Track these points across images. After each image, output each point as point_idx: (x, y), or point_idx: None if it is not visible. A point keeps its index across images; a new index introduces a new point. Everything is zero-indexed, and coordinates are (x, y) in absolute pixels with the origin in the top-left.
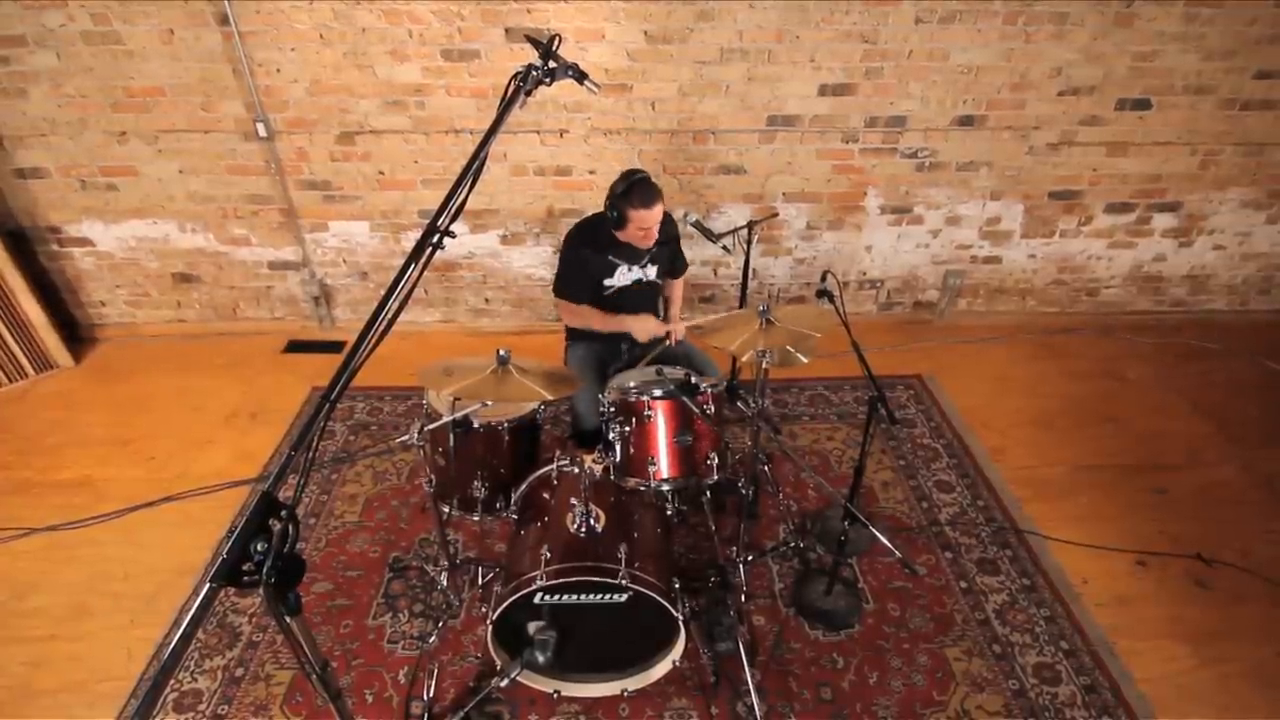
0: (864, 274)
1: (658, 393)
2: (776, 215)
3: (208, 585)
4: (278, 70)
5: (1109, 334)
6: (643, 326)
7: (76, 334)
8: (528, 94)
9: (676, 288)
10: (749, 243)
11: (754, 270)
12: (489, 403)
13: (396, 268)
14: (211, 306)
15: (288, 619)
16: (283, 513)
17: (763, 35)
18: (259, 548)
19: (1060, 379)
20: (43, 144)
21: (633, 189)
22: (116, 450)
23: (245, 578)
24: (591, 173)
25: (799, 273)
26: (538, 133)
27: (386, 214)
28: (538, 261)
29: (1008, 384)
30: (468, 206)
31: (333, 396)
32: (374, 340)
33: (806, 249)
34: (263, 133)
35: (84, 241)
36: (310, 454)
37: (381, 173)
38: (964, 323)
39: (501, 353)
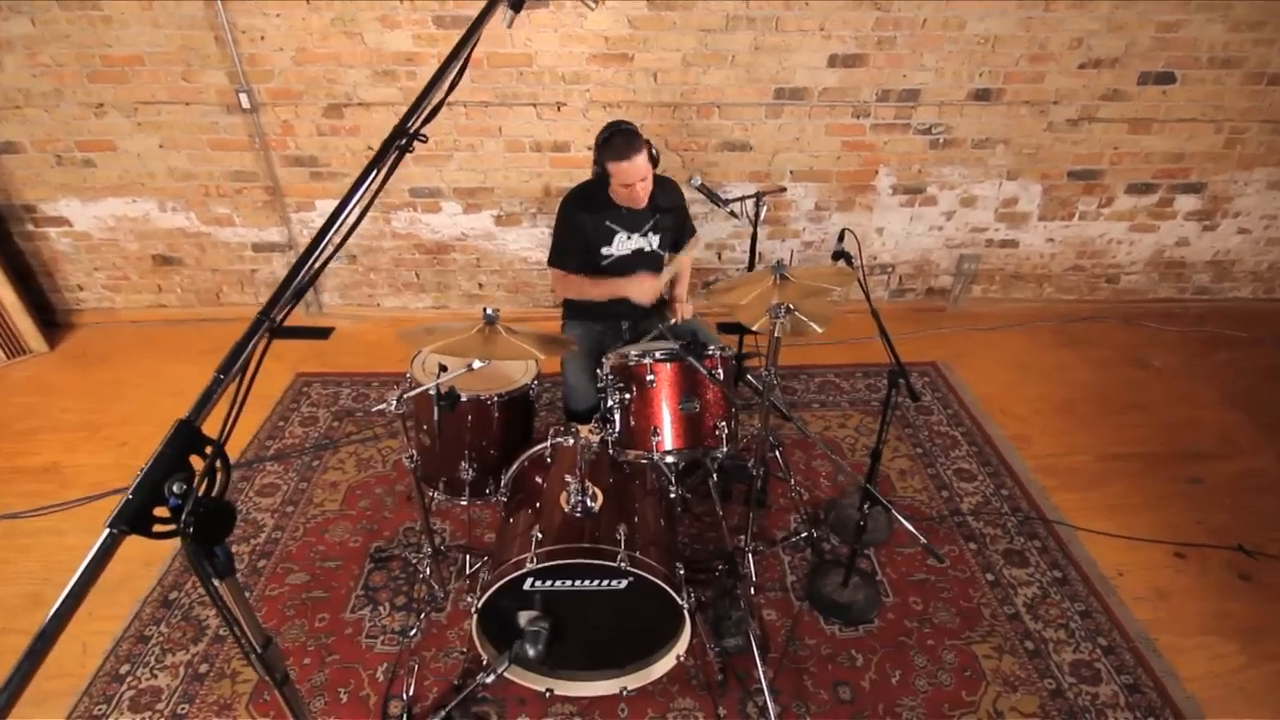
0: (875, 258)
1: (660, 355)
2: (784, 190)
3: (106, 532)
4: (261, 37)
5: (1131, 322)
6: (639, 287)
7: (53, 319)
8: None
9: (681, 265)
10: (756, 215)
11: (760, 254)
12: (475, 365)
13: (388, 250)
14: (193, 291)
15: (215, 581)
16: (208, 448)
17: (770, 1)
18: (176, 489)
19: (1082, 367)
20: (17, 116)
21: (610, 140)
22: (87, 436)
23: (157, 525)
24: (590, 148)
25: (807, 256)
26: (534, 105)
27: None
28: (534, 243)
29: (1028, 371)
30: (460, 185)
31: (273, 313)
32: (326, 253)
33: (815, 231)
34: (246, 104)
35: (60, 221)
36: (244, 382)
37: (371, 148)
38: (979, 310)
39: (489, 311)
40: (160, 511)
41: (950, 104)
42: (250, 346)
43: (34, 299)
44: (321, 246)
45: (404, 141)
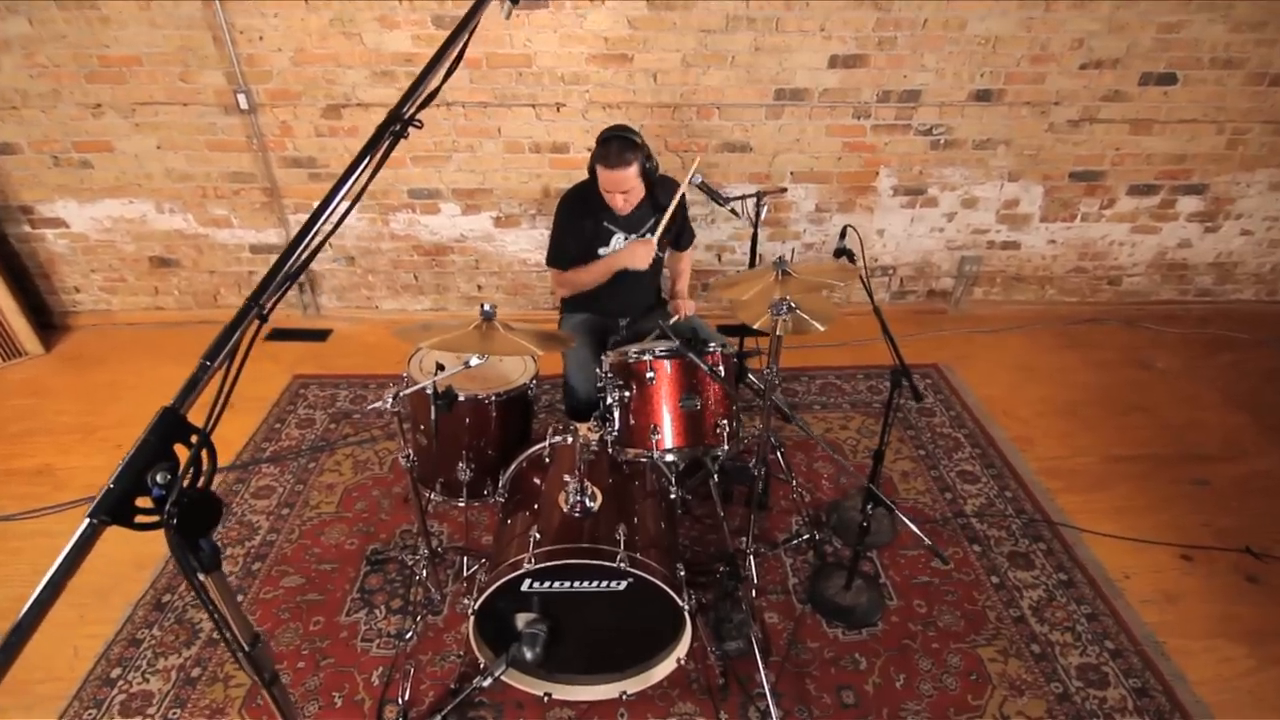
0: (875, 260)
1: (661, 351)
2: (785, 191)
3: (85, 521)
4: (260, 38)
5: (1132, 324)
6: (633, 254)
7: (49, 322)
8: None
9: (683, 261)
10: (757, 215)
11: (760, 256)
12: (472, 362)
13: (386, 251)
14: (191, 293)
15: (201, 576)
16: (193, 436)
17: (770, 1)
18: (159, 479)
19: (1085, 369)
20: (14, 117)
21: (605, 143)
22: (82, 438)
23: (140, 516)
24: (590, 150)
25: (808, 258)
26: (533, 106)
27: (374, 194)
28: (533, 245)
29: (1030, 374)
30: (459, 186)
31: (262, 300)
32: (316, 240)
33: (816, 233)
34: (244, 104)
35: (57, 222)
36: (232, 370)
37: None
38: (980, 312)
39: (486, 307)
40: (143, 502)
41: (951, 105)
42: (238, 334)
43: (30, 301)
44: (313, 233)
45: (398, 127)
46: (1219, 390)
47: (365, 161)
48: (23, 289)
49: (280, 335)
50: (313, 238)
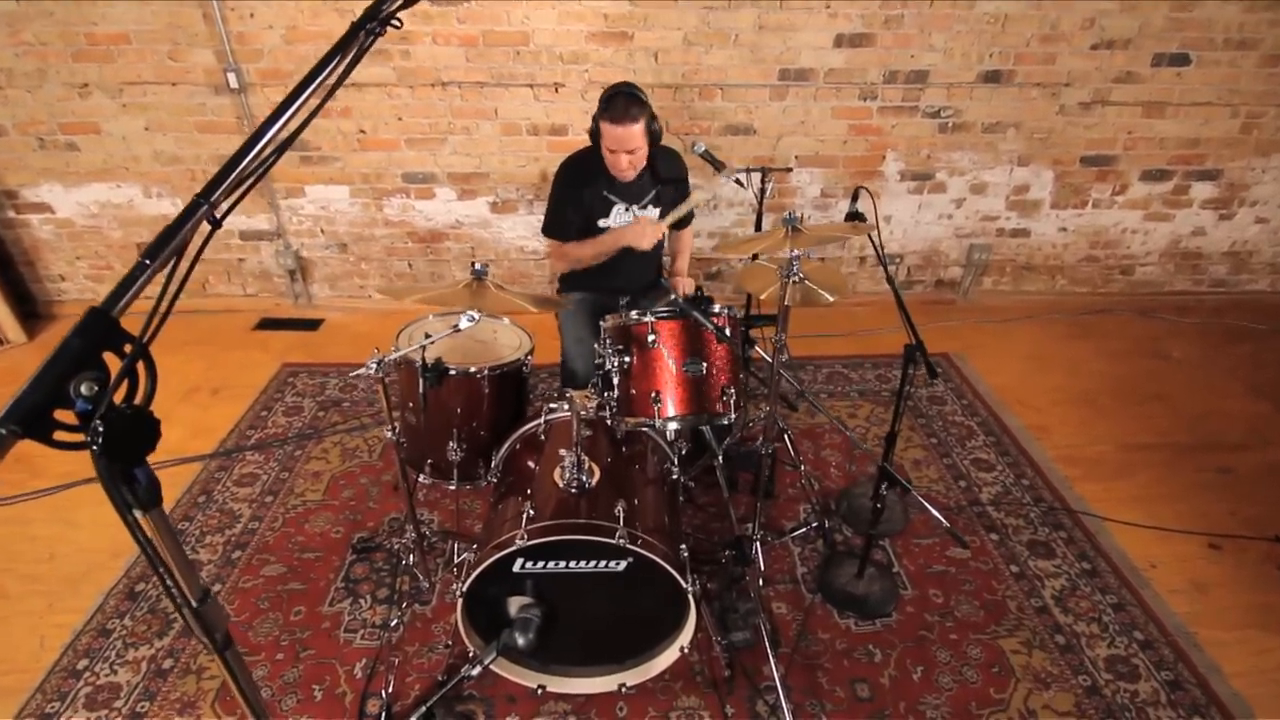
0: (882, 248)
1: (663, 311)
2: (790, 170)
3: None
4: (251, 15)
5: (1146, 315)
6: (638, 232)
7: (34, 311)
8: None
9: (683, 239)
10: (762, 192)
11: None
12: (462, 325)
13: (380, 238)
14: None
15: (137, 513)
16: (127, 346)
17: None
18: (85, 390)
19: (1099, 358)
20: None
21: (611, 99)
22: None
23: (60, 433)
24: (589, 131)
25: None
26: (531, 86)
27: (368, 177)
28: (530, 232)
29: (1043, 363)
30: (454, 170)
31: (213, 197)
32: (278, 138)
33: (820, 219)
34: (234, 84)
35: (42, 207)
36: (179, 269)
37: (363, 131)
38: (989, 302)
39: (478, 266)
40: (65, 417)
41: (959, 86)
42: (183, 232)
43: (14, 289)
44: (272, 131)
45: (374, 25)
46: (1238, 380)
47: (335, 62)
48: (6, 277)
49: (270, 324)
50: (272, 139)
